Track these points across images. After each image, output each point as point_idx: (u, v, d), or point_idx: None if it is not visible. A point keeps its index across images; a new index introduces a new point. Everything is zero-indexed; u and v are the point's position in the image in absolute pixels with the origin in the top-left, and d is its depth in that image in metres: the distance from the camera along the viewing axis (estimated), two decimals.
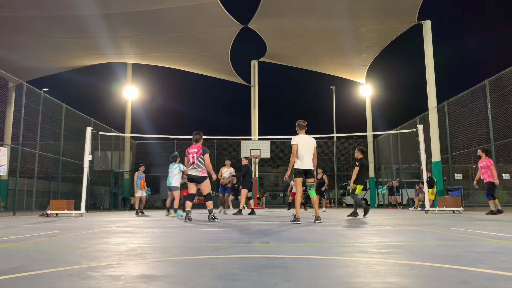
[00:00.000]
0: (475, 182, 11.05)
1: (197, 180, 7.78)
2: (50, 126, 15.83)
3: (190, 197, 7.95)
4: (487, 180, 10.46)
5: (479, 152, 10.81)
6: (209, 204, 7.82)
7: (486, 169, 10.52)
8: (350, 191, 9.55)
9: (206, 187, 7.84)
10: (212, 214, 7.77)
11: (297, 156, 7.06)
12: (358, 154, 9.65)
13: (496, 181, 10.36)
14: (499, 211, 10.32)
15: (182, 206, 15.38)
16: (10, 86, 16.11)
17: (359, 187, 9.33)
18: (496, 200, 10.57)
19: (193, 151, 7.87)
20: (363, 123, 25.17)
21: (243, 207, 11.94)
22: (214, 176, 8.04)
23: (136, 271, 2.29)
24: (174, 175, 10.69)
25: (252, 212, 11.73)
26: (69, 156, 16.28)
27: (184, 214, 7.92)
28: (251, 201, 12.96)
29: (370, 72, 24.22)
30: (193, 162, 7.73)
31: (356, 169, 9.36)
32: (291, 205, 18.41)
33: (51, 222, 8.06)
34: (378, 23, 18.26)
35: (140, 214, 12.37)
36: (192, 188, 7.96)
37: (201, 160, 7.74)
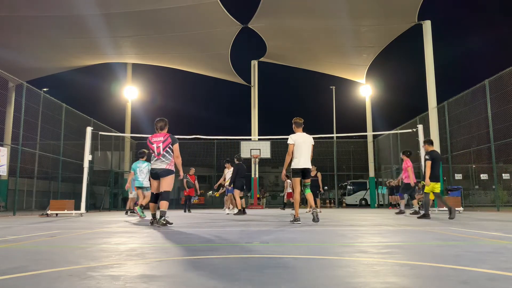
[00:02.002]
0: (412, 182, 11.33)
1: (162, 174, 6.39)
2: (50, 126, 15.83)
3: (154, 197, 6.65)
4: (406, 181, 11.11)
5: (402, 155, 11.42)
6: (164, 204, 6.32)
7: (404, 170, 11.24)
8: (420, 189, 8.64)
9: (168, 184, 6.44)
10: (163, 217, 6.22)
11: (294, 155, 6.89)
12: (427, 147, 8.66)
13: (412, 182, 11.12)
14: (416, 212, 10.83)
15: (183, 206, 15.41)
16: (10, 86, 16.12)
17: (436, 185, 8.30)
18: (415, 201, 11.29)
19: (158, 140, 6.49)
20: (363, 123, 25.20)
21: (237, 207, 11.72)
22: (181, 174, 6.70)
23: (136, 271, 2.29)
24: (146, 175, 9.93)
25: (241, 212, 11.54)
26: (69, 156, 16.28)
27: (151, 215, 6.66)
28: (241, 201, 12.59)
29: (370, 72, 24.25)
30: (159, 154, 6.42)
31: (428, 163, 8.30)
32: (286, 205, 18.35)
33: (51, 222, 8.06)
34: (378, 23, 18.28)
35: (130, 213, 12.32)
36: (156, 186, 6.57)
37: (169, 151, 6.47)
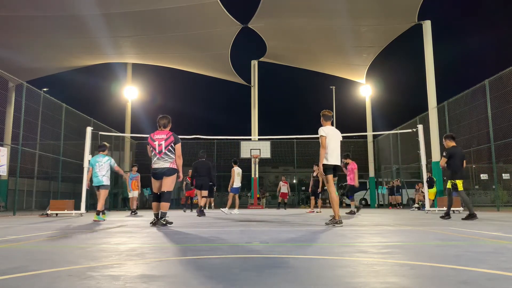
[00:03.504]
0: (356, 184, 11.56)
1: (167, 173, 6.21)
2: (50, 126, 15.84)
3: (156, 197, 6.40)
4: (349, 183, 11.28)
5: (346, 159, 11.54)
6: (165, 206, 6.22)
7: (350, 172, 11.41)
8: (451, 190, 8.17)
9: (170, 183, 6.26)
10: (164, 218, 6.20)
11: (326, 150, 6.27)
12: (447, 143, 8.29)
13: (356, 185, 11.43)
14: (352, 212, 11.14)
15: (183, 206, 15.40)
16: (10, 86, 16.13)
17: (460, 183, 7.85)
18: (354, 202, 11.67)
19: (160, 137, 6.27)
20: (363, 123, 25.21)
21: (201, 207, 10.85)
22: (181, 176, 6.44)
23: (136, 271, 2.29)
24: (106, 171, 8.65)
25: (201, 213, 10.62)
26: (69, 156, 16.28)
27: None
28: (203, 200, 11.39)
29: (370, 72, 24.26)
30: (161, 152, 6.20)
31: (444, 160, 8.03)
32: (280, 205, 18.39)
33: (51, 222, 8.05)
34: (378, 23, 18.28)
35: (133, 214, 12.16)
36: (157, 186, 6.34)
37: (171, 150, 6.27)
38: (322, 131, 6.35)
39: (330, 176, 6.31)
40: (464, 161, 8.29)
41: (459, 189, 7.89)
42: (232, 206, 12.92)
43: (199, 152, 11.45)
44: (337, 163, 6.36)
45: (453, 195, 8.47)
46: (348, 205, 27.67)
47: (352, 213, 11.14)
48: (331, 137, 6.34)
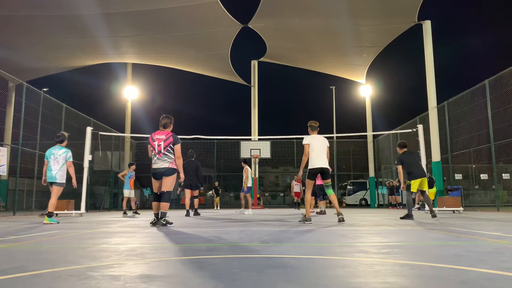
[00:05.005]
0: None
1: (166, 173, 6.23)
2: (50, 126, 15.84)
3: (156, 197, 6.44)
4: (318, 183, 11.30)
5: None
6: (165, 206, 6.25)
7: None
8: (405, 189, 8.52)
9: (170, 183, 6.28)
10: (164, 218, 6.22)
11: (310, 156, 6.96)
12: (398, 150, 8.90)
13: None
14: (322, 212, 11.57)
15: (183, 206, 15.38)
16: (10, 86, 16.14)
17: (413, 183, 8.20)
18: (323, 202, 12.14)
19: (160, 138, 6.30)
20: (363, 123, 25.23)
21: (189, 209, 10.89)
22: (182, 176, 6.43)
23: (136, 271, 2.29)
24: (61, 166, 7.59)
25: (188, 214, 10.69)
26: None
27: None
28: (190, 201, 11.12)
29: (370, 72, 24.26)
30: (159, 152, 6.23)
31: (399, 168, 8.51)
32: (299, 205, 18.52)
33: None
34: (378, 23, 18.27)
35: (128, 214, 11.97)
36: (157, 186, 6.38)
37: (170, 150, 6.30)
38: (305, 139, 7.09)
39: (311, 181, 7.07)
40: (419, 162, 8.72)
41: (412, 189, 8.29)
42: (246, 206, 12.90)
43: (188, 151, 11.22)
44: (323, 166, 6.96)
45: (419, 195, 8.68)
46: (349, 205, 27.77)
47: (322, 213, 11.56)
48: (315, 144, 6.98)
